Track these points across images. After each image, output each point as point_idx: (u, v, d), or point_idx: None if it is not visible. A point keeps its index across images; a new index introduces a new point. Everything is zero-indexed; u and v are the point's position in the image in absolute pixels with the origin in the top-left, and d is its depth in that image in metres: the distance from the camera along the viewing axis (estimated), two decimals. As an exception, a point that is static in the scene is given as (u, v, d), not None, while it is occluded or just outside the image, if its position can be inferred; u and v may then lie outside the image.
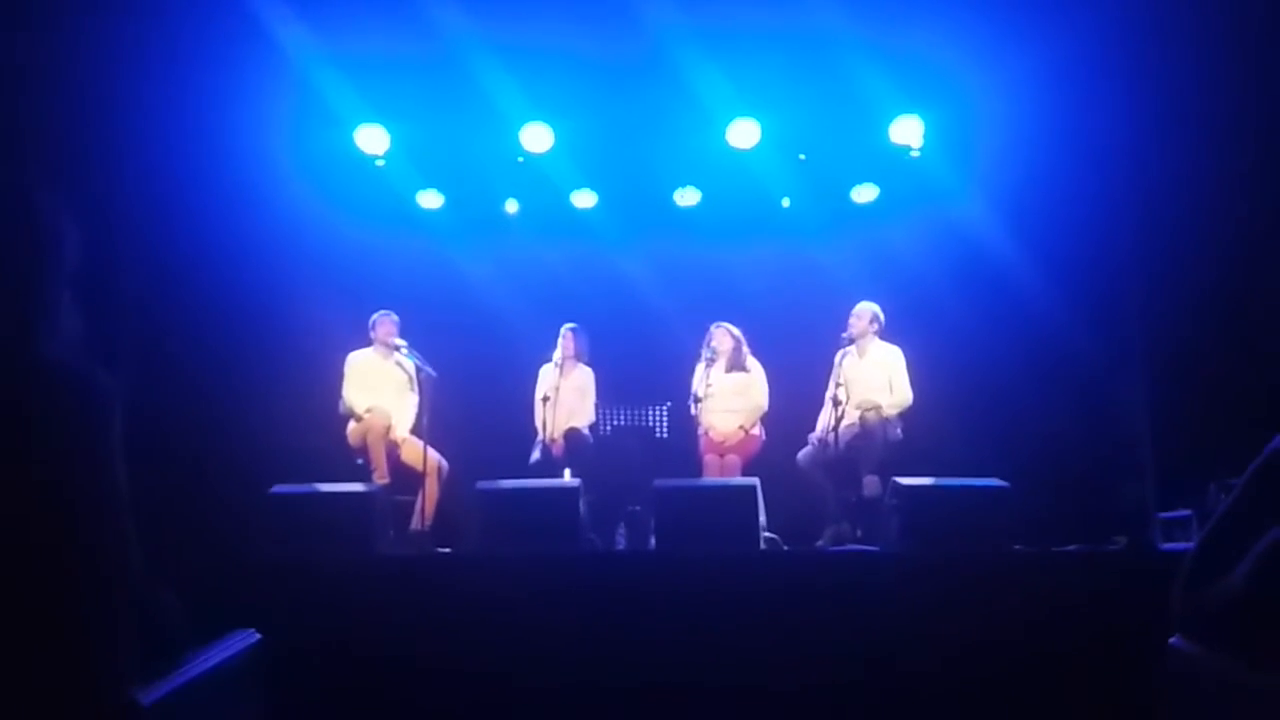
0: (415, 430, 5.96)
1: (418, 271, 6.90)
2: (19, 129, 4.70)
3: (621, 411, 5.82)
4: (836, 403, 5.72)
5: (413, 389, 6.11)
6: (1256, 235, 5.32)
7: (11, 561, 1.46)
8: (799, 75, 6.05)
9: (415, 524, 5.66)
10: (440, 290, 6.92)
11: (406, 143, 6.49)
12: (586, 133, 6.49)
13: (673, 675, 3.84)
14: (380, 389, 6.01)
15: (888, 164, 6.60)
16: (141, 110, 5.41)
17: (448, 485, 5.85)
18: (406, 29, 5.73)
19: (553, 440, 6.07)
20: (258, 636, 2.09)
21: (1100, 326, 6.04)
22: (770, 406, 6.17)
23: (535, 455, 6.12)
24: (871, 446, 5.65)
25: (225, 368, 5.87)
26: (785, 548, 5.36)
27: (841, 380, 5.85)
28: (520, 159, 6.58)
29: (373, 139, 6.38)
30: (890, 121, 6.32)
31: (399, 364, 6.10)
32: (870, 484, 5.49)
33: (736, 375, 6.16)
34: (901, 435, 5.78)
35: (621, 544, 5.53)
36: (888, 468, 5.34)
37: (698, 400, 6.01)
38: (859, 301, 6.08)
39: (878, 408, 5.73)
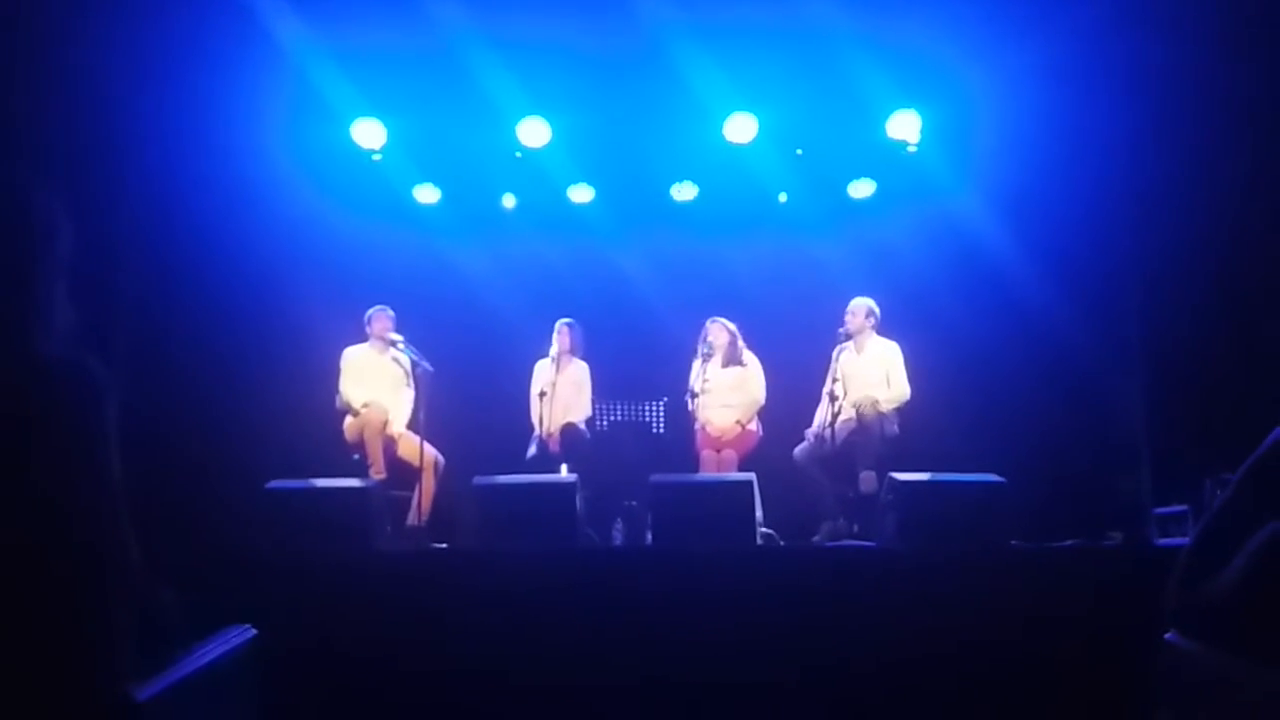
0: (412, 425, 5.95)
1: (414, 266, 6.89)
2: (14, 125, 4.69)
3: (618, 407, 5.81)
4: (833, 398, 5.72)
5: (409, 384, 6.10)
6: (1254, 231, 5.33)
7: (6, 557, 1.46)
8: (796, 70, 6.05)
9: (412, 519, 5.66)
10: (437, 285, 6.91)
11: (403, 137, 6.48)
12: (583, 128, 6.48)
13: (669, 670, 3.84)
14: (377, 384, 6.00)
15: (885, 159, 6.60)
16: (137, 106, 5.39)
17: (444, 480, 5.85)
18: (404, 23, 5.72)
19: (549, 435, 6.08)
20: (254, 632, 2.09)
21: (1097, 322, 6.04)
22: (767, 402, 6.17)
23: (532, 450, 6.12)
24: (868, 442, 5.65)
25: (222, 363, 5.87)
26: (782, 543, 5.36)
27: (838, 375, 5.85)
28: (517, 154, 6.57)
29: (369, 134, 6.37)
30: (887, 117, 6.32)
31: (395, 359, 6.09)
32: (867, 479, 5.49)
33: (733, 370, 6.16)
34: (898, 430, 5.78)
35: (618, 539, 5.53)
36: (884, 463, 5.33)
37: (694, 395, 6.01)
38: (855, 297, 6.08)
39: (875, 403, 5.73)
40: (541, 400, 6.14)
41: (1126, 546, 4.75)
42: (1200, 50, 5.21)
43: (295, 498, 4.59)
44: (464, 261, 6.96)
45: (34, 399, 1.50)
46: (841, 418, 5.73)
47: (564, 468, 5.90)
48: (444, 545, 5.28)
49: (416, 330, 6.15)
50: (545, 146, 6.47)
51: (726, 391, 6.12)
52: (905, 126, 6.32)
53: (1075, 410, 6.02)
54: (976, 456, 5.21)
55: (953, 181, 6.47)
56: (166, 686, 1.63)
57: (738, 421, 6.07)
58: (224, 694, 1.94)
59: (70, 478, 1.50)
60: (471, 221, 6.98)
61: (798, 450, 5.88)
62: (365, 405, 5.86)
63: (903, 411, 5.86)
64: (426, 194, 6.92)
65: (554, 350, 6.29)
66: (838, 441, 5.69)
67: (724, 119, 6.34)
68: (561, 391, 6.21)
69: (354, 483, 4.89)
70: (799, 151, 6.65)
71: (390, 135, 6.41)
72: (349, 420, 5.91)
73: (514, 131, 6.41)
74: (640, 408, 5.78)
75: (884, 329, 6.07)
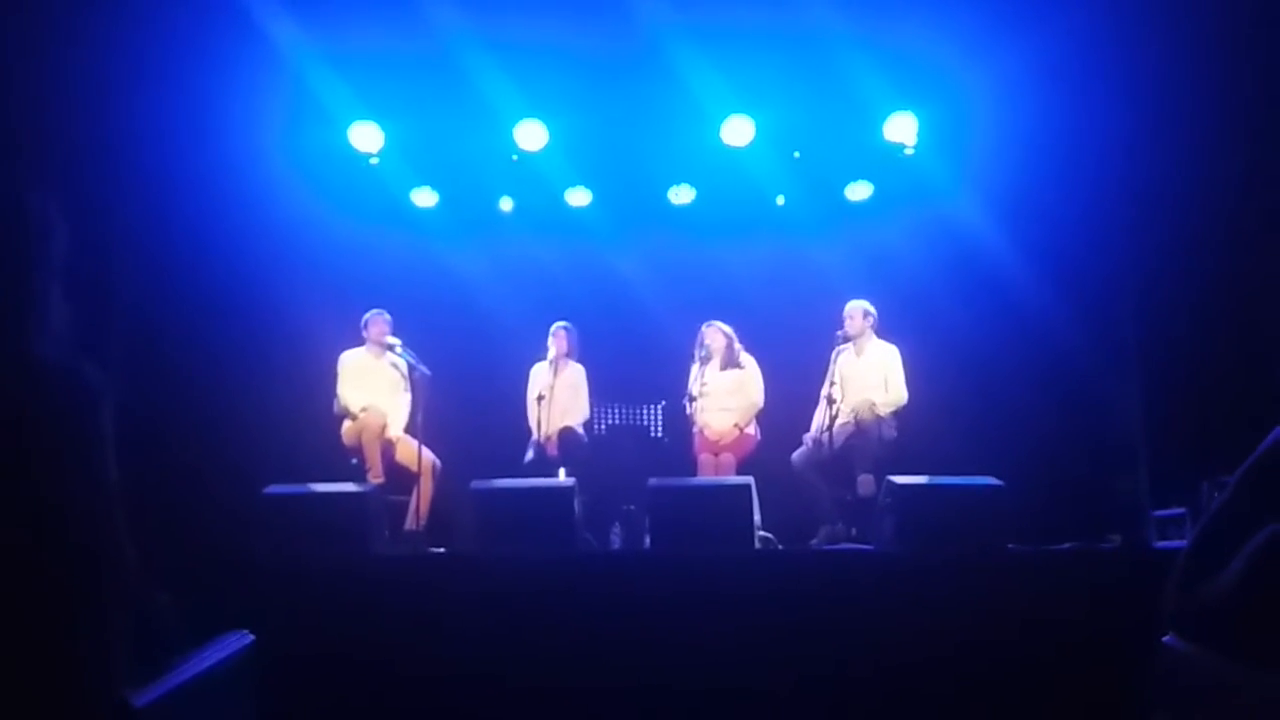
0: (409, 429, 5.94)
1: (411, 270, 6.88)
2: (10, 125, 4.68)
3: (616, 410, 5.81)
4: (831, 401, 5.71)
5: (406, 388, 6.10)
6: (1250, 232, 5.34)
7: (1, 562, 1.45)
8: (793, 73, 6.05)
9: (410, 524, 5.65)
10: (434, 288, 6.90)
11: (400, 140, 6.48)
12: (581, 130, 6.48)
13: (668, 675, 3.84)
14: (374, 388, 5.99)
15: (882, 161, 6.60)
16: (134, 107, 5.38)
17: (442, 485, 5.83)
18: (400, 26, 5.72)
19: (547, 439, 6.07)
20: (251, 638, 2.08)
21: (1094, 324, 6.04)
22: (765, 405, 6.16)
23: (530, 455, 6.11)
24: (866, 445, 5.65)
25: (219, 366, 5.85)
26: (780, 547, 5.36)
27: (836, 379, 5.85)
28: (514, 157, 6.56)
29: (366, 137, 6.36)
30: (884, 119, 6.32)
31: (392, 363, 6.09)
32: (865, 483, 5.49)
33: (731, 373, 6.15)
34: (896, 434, 5.78)
35: (616, 543, 5.52)
36: (882, 466, 5.34)
37: (692, 399, 6.00)
38: (851, 300, 6.08)
39: (872, 406, 5.73)
40: (539, 404, 6.13)
41: (1124, 549, 4.75)
42: (1196, 52, 5.22)
43: (293, 502, 4.58)
44: (461, 265, 6.95)
45: (29, 402, 1.50)
46: (840, 421, 5.72)
47: (562, 472, 5.89)
48: (442, 550, 5.27)
49: (414, 334, 6.14)
50: (542, 149, 6.47)
51: (724, 395, 6.12)
52: (902, 129, 6.32)
53: (1073, 413, 6.02)
54: (974, 459, 5.20)
55: (950, 184, 6.47)
56: (163, 693, 1.62)
57: (736, 425, 6.06)
58: (221, 700, 1.93)
59: (66, 482, 1.49)
60: (469, 225, 6.97)
61: (796, 454, 5.88)
62: (363, 409, 5.85)
63: (900, 415, 5.86)
64: (424, 197, 6.92)
65: (551, 353, 6.28)
66: (835, 445, 5.68)
67: (721, 122, 6.34)
68: (559, 395, 6.20)
69: (351, 487, 4.89)
70: (796, 154, 6.66)
71: (387, 138, 6.40)
72: (346, 424, 5.90)
73: (511, 135, 6.41)
74: (638, 411, 5.78)
75: (881, 331, 6.07)
